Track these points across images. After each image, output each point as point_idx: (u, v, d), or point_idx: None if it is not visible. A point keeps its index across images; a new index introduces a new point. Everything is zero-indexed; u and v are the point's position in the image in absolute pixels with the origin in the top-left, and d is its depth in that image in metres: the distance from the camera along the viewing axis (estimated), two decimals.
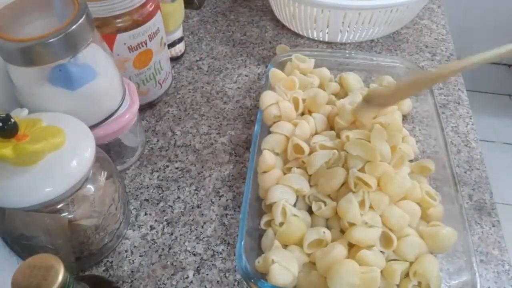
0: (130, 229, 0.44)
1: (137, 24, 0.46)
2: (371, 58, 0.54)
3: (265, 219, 0.41)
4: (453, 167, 0.43)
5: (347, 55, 0.55)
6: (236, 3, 0.75)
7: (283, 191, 0.41)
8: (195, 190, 0.48)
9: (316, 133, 0.47)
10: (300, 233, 0.39)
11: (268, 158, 0.43)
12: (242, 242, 0.37)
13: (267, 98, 0.48)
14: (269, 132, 0.47)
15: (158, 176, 0.49)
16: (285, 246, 0.39)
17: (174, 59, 0.63)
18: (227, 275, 0.41)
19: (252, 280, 0.35)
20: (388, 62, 0.54)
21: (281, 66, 0.54)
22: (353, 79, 0.53)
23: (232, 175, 0.49)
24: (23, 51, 0.34)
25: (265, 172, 0.44)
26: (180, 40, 0.64)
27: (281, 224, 0.39)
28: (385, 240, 0.39)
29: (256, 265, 0.37)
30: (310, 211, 0.42)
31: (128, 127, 0.45)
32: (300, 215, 0.40)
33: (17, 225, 0.35)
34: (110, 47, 0.45)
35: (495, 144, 1.56)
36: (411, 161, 0.46)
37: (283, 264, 0.36)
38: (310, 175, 0.43)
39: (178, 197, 0.47)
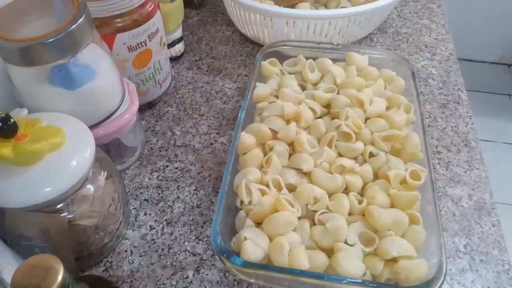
0: (129, 229, 0.44)
1: (136, 24, 0.46)
2: (358, 50, 0.54)
3: (238, 199, 0.41)
4: (432, 167, 0.42)
5: (335, 46, 0.55)
6: None
7: (244, 172, 0.42)
8: (194, 190, 0.48)
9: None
10: (271, 210, 0.39)
11: (246, 139, 0.44)
12: (218, 219, 0.37)
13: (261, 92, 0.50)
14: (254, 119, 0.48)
15: (157, 176, 0.49)
16: (257, 225, 0.40)
17: (173, 59, 0.63)
18: (227, 275, 0.41)
19: (225, 255, 0.35)
20: (375, 54, 0.54)
21: (269, 56, 0.54)
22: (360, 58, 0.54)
23: None
24: (23, 51, 0.34)
25: (245, 154, 0.44)
26: (179, 40, 0.64)
27: (250, 202, 0.40)
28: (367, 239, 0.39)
29: (232, 246, 0.38)
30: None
31: (128, 127, 0.45)
32: (265, 188, 0.41)
33: (17, 225, 0.35)
34: (109, 47, 0.45)
35: (495, 144, 1.56)
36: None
37: (255, 241, 0.37)
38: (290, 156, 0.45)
39: (178, 197, 0.47)
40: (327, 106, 0.50)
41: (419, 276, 0.35)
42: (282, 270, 0.35)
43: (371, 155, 0.45)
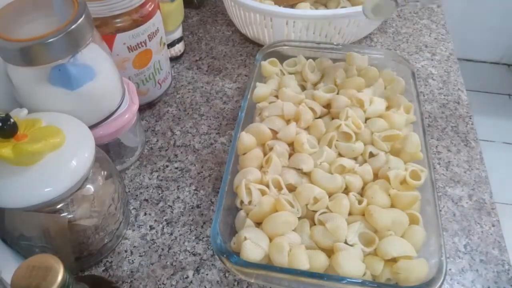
0: (129, 229, 0.44)
1: (136, 24, 0.46)
2: (358, 50, 0.54)
3: (238, 199, 0.41)
4: (432, 167, 0.42)
5: (335, 46, 0.55)
6: None
7: (244, 172, 0.42)
8: (194, 190, 0.48)
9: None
10: (271, 210, 0.39)
11: (246, 139, 0.44)
12: (218, 220, 0.37)
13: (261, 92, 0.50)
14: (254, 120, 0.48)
15: (157, 176, 0.49)
16: (257, 225, 0.40)
17: (173, 59, 0.63)
18: (226, 275, 0.41)
19: (225, 255, 0.35)
20: (375, 54, 0.54)
21: (269, 56, 0.55)
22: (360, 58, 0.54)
23: None
24: (23, 51, 0.34)
25: (244, 154, 0.44)
26: (179, 40, 0.64)
27: (250, 202, 0.40)
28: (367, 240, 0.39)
29: (232, 246, 0.38)
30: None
31: (128, 127, 0.45)
32: (265, 188, 0.41)
33: (16, 225, 0.35)
34: (109, 47, 0.45)
35: (495, 144, 1.56)
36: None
37: (255, 241, 0.37)
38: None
39: (178, 197, 0.47)
40: (327, 106, 0.50)
41: (419, 276, 0.35)
42: (282, 270, 0.35)
43: (371, 155, 0.45)
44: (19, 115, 0.34)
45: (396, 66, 0.53)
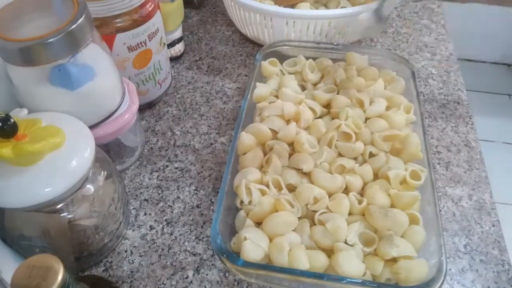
0: (129, 229, 0.44)
1: (136, 24, 0.46)
2: (358, 50, 0.54)
3: (238, 199, 0.41)
4: (432, 167, 0.42)
5: (335, 46, 0.55)
6: None
7: (244, 172, 0.42)
8: (194, 190, 0.48)
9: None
10: (271, 210, 0.39)
11: (246, 139, 0.44)
12: (218, 220, 0.37)
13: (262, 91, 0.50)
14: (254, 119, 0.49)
15: (157, 176, 0.49)
16: (257, 225, 0.40)
17: (173, 59, 0.63)
18: (227, 275, 0.41)
19: (225, 255, 0.35)
20: (375, 54, 0.54)
21: (269, 56, 0.55)
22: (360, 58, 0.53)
23: None
24: (22, 51, 0.34)
25: (244, 154, 0.44)
26: (179, 39, 0.64)
27: (250, 202, 0.40)
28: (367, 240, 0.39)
29: (232, 246, 0.38)
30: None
31: (128, 127, 0.45)
32: (265, 188, 0.41)
33: (16, 225, 0.35)
34: (109, 47, 0.45)
35: (495, 144, 1.56)
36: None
37: (255, 241, 0.37)
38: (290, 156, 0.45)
39: (178, 197, 0.47)
40: (327, 106, 0.50)
41: (419, 276, 0.35)
42: (282, 270, 0.35)
43: (371, 155, 0.45)
44: (19, 115, 0.34)
45: (396, 66, 0.53)
